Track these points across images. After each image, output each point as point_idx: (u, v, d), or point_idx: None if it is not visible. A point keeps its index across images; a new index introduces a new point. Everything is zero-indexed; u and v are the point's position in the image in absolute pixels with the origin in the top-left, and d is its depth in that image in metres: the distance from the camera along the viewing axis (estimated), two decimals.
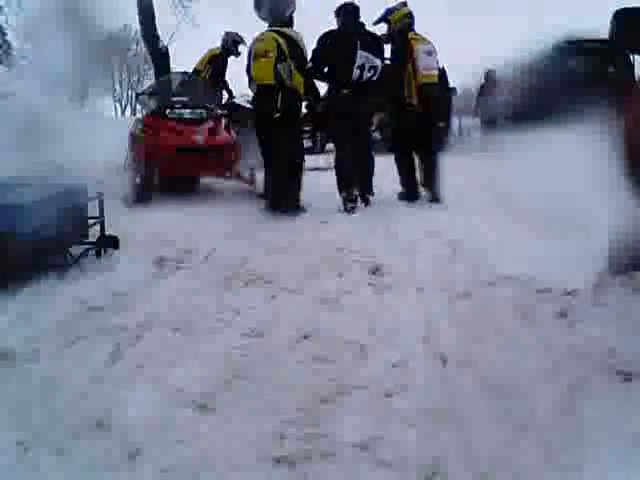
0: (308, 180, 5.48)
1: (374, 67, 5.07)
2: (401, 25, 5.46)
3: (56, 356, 2.29)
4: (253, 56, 4.66)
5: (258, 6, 4.80)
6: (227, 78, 7.10)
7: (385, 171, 5.92)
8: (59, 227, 3.15)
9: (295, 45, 4.69)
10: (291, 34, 4.78)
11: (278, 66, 4.57)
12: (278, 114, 4.68)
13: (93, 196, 3.63)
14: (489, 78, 11.10)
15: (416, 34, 5.46)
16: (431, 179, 5.52)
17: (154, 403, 1.95)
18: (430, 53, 5.41)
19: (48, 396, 1.98)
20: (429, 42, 5.47)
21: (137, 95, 8.74)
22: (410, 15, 5.49)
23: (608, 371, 2.12)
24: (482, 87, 11.40)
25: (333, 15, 5.26)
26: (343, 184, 5.09)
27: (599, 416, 1.83)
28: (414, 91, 5.36)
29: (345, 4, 5.27)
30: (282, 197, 4.84)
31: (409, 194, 5.62)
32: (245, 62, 4.95)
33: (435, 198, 5.44)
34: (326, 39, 5.00)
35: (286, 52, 4.61)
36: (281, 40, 4.63)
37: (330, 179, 5.50)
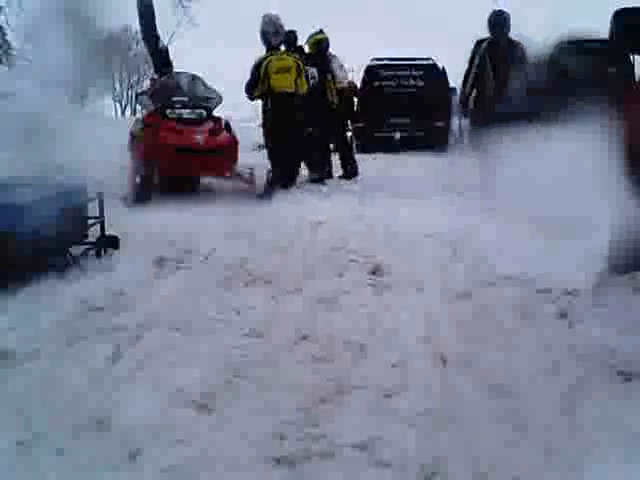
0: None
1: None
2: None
3: (56, 356, 2.29)
4: (274, 71, 6.14)
5: (277, 32, 6.28)
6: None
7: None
8: (59, 227, 3.15)
9: (303, 65, 6.41)
10: (298, 57, 6.57)
11: (297, 80, 6.22)
12: (299, 112, 6.26)
13: (93, 196, 3.63)
14: None
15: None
16: (347, 161, 7.48)
17: (154, 403, 1.95)
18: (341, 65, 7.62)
19: (48, 396, 1.98)
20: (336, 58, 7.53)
21: (137, 95, 8.75)
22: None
23: (608, 371, 2.12)
24: None
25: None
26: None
27: (599, 416, 1.83)
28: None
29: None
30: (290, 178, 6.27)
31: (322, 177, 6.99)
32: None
33: (348, 176, 7.27)
34: None
35: (302, 69, 6.32)
36: (298, 61, 6.36)
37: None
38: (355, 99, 10.34)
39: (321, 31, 7.36)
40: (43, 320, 2.61)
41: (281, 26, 6.36)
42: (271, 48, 6.32)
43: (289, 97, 6.17)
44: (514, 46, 6.05)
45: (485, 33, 6.37)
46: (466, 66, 6.19)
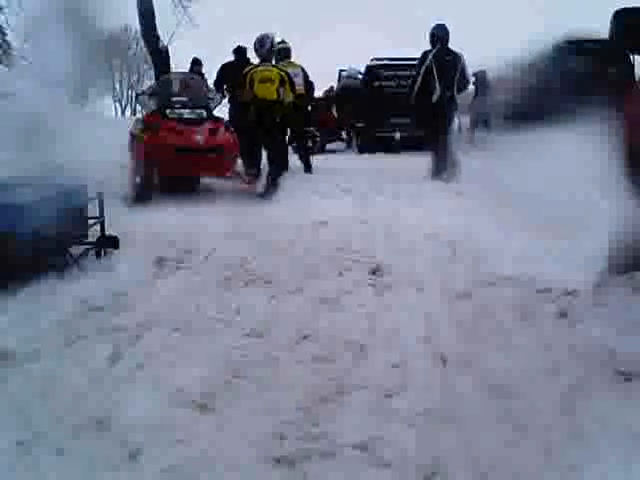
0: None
1: None
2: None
3: (56, 356, 2.29)
4: (258, 80, 6.83)
5: (263, 45, 7.06)
6: None
7: None
8: (59, 227, 3.15)
9: (288, 76, 7.08)
10: (287, 69, 7.34)
11: (280, 89, 6.86)
12: (279, 120, 6.91)
13: (93, 196, 3.63)
14: (479, 79, 11.13)
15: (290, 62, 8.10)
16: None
17: (154, 403, 1.95)
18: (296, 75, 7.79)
19: (48, 396, 1.98)
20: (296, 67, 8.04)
21: (137, 95, 8.79)
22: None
23: (608, 371, 2.12)
24: (476, 87, 11.40)
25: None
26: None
27: (599, 416, 1.83)
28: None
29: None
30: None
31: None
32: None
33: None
34: None
35: (286, 80, 6.96)
36: (282, 73, 7.01)
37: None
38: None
39: (283, 41, 8.34)
40: (43, 320, 2.61)
41: (268, 39, 7.19)
42: (262, 60, 7.14)
43: (269, 104, 6.89)
44: (455, 55, 7.27)
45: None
46: (415, 72, 7.36)
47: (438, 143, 7.17)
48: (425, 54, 7.24)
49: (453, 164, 6.97)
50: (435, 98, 7.07)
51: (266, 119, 6.86)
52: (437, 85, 7.09)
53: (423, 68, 7.17)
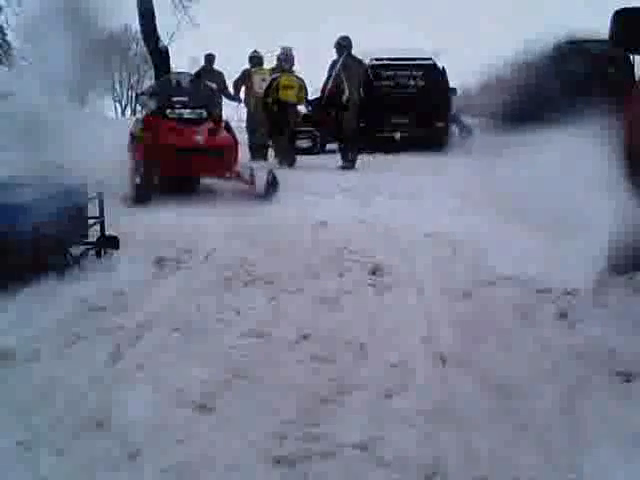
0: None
1: None
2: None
3: (56, 356, 2.29)
4: (282, 86, 8.93)
5: (287, 60, 9.10)
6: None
7: None
8: (59, 227, 3.15)
9: (304, 83, 9.23)
10: (302, 78, 9.33)
11: (299, 94, 9.00)
12: (294, 114, 9.38)
13: (93, 196, 3.63)
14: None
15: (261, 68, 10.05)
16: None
17: (154, 403, 1.95)
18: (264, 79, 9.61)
19: (48, 396, 1.98)
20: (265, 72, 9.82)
21: (137, 95, 8.87)
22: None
23: (608, 371, 2.12)
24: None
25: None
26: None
27: (599, 416, 1.83)
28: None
29: None
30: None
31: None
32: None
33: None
34: None
35: (303, 87, 9.15)
36: (300, 81, 9.15)
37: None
38: None
39: (255, 51, 10.13)
40: (43, 320, 2.61)
41: (292, 57, 9.23)
42: (284, 70, 9.16)
43: (290, 105, 9.10)
44: (359, 62, 9.05)
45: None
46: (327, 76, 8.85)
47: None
48: (335, 61, 8.78)
49: (352, 155, 8.80)
50: (345, 99, 8.67)
51: (288, 116, 9.03)
52: (346, 87, 8.64)
53: (334, 73, 8.67)
